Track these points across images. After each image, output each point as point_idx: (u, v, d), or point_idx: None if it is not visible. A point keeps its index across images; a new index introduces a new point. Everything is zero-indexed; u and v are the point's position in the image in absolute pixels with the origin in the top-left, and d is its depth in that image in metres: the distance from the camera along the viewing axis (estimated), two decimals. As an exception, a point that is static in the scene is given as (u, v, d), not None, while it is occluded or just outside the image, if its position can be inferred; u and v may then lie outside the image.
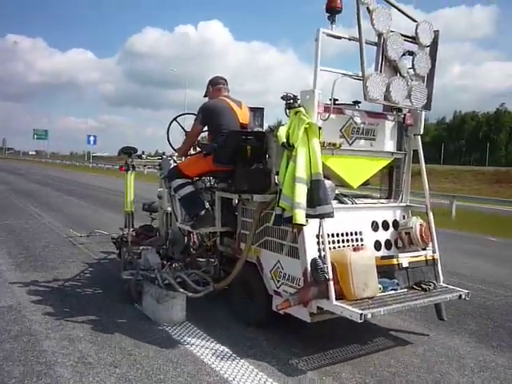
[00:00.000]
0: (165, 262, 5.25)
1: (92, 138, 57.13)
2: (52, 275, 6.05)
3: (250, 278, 4.49)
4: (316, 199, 3.74)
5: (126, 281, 5.09)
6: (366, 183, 4.79)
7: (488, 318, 5.15)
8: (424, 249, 4.47)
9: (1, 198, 15.20)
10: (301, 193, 3.74)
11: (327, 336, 4.31)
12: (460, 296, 4.19)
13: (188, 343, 4.12)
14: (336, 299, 3.70)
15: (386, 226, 4.51)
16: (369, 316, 3.52)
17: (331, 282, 3.69)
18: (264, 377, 3.57)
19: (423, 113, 4.59)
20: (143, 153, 5.60)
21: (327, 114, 4.02)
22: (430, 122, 78.24)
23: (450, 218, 14.46)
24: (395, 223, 4.57)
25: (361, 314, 3.48)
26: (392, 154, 4.65)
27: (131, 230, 5.93)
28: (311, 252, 3.83)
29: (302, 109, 3.89)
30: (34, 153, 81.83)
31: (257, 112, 5.26)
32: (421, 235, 4.39)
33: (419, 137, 4.65)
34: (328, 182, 4.00)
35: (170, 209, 5.43)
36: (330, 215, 3.75)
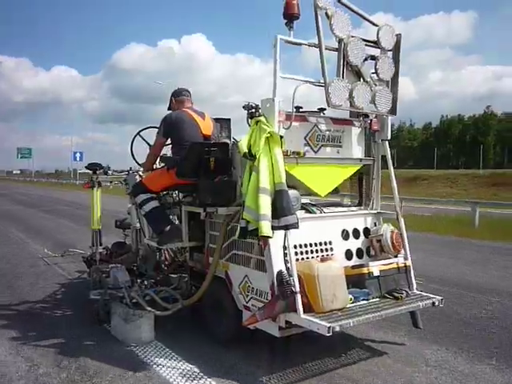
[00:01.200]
0: (137, 280, 5.10)
1: (78, 155, 56.47)
2: (20, 297, 5.86)
3: (219, 293, 4.36)
4: (280, 210, 3.63)
5: (94, 301, 4.92)
6: (335, 191, 4.71)
7: (463, 323, 5.07)
8: (396, 256, 4.37)
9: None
10: (265, 204, 3.63)
11: (300, 350, 4.17)
12: (433, 303, 4.09)
13: (155, 364, 3.98)
14: (304, 312, 3.59)
15: (356, 234, 4.42)
16: (337, 329, 3.40)
17: (298, 295, 3.58)
18: None
19: (389, 118, 4.52)
20: (109, 168, 5.46)
21: (289, 123, 3.93)
22: (417, 128, 78.96)
23: (473, 226, 12.99)
24: (366, 231, 4.48)
25: (328, 327, 3.37)
26: (360, 160, 4.56)
27: (101, 247, 5.80)
28: (278, 264, 3.71)
29: (262, 118, 3.79)
30: (18, 172, 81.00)
31: (224, 123, 5.15)
32: (392, 242, 4.30)
33: (387, 142, 4.58)
34: (293, 192, 3.89)
35: (138, 225, 5.29)
36: (294, 226, 3.64)
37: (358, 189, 4.73)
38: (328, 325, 3.38)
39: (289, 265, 3.65)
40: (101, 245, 5.46)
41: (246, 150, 3.77)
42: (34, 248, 9.44)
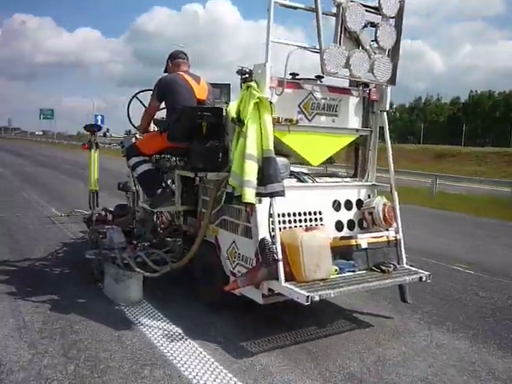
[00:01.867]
0: (133, 242, 5.16)
1: (99, 118, 56.54)
2: (22, 254, 6.00)
3: (209, 258, 4.39)
4: (267, 177, 3.60)
5: (90, 261, 5.00)
6: (330, 161, 4.65)
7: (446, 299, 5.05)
8: (387, 229, 4.32)
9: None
10: (250, 170, 3.60)
11: (285, 318, 4.21)
12: (421, 278, 4.06)
13: (141, 323, 4.05)
14: (286, 281, 3.59)
15: (349, 205, 4.37)
16: (316, 298, 3.39)
17: (280, 263, 3.57)
18: (210, 360, 3.48)
19: (389, 88, 4.40)
20: (108, 131, 5.46)
21: (281, 89, 3.85)
22: (444, 102, 76.87)
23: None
24: (359, 203, 4.43)
25: (307, 297, 3.37)
26: (357, 130, 4.47)
27: (100, 209, 5.87)
28: (263, 232, 3.71)
29: (253, 83, 3.72)
30: (40, 133, 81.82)
31: (224, 88, 5.10)
32: (383, 215, 4.25)
33: (385, 113, 4.47)
34: (281, 160, 3.85)
35: (135, 188, 5.32)
36: (280, 194, 3.61)
37: (354, 160, 4.65)
38: (307, 294, 3.38)
39: (273, 233, 3.64)
40: (97, 206, 5.52)
41: (235, 115, 3.72)
42: (45, 208, 9.58)
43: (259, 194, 3.62)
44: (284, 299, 3.77)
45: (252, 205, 3.65)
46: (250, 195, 3.56)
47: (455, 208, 12.20)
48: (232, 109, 3.75)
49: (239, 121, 3.70)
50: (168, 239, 5.29)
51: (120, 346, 3.61)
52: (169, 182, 5.07)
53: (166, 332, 3.90)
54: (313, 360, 3.53)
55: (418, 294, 4.91)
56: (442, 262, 6.49)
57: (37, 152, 34.57)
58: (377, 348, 3.78)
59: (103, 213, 5.83)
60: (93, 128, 5.26)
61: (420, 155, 35.13)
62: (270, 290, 3.69)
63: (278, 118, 3.88)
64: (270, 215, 3.69)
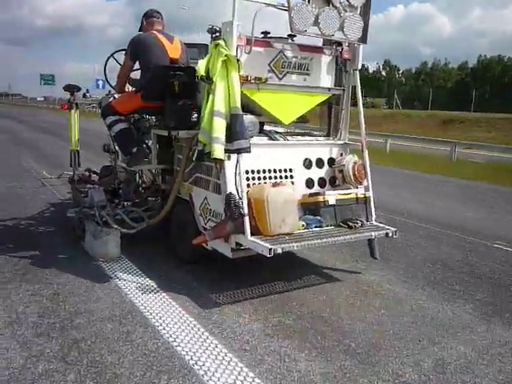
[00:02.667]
0: (115, 201, 5.28)
1: (100, 82, 55.85)
2: (10, 213, 6.13)
3: (184, 215, 4.52)
4: (233, 134, 3.68)
5: (71, 219, 5.15)
6: (303, 120, 4.71)
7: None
8: (357, 187, 4.41)
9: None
10: (219, 127, 3.68)
11: (255, 272, 4.36)
12: (387, 234, 4.17)
13: (118, 277, 4.21)
14: (253, 235, 3.71)
15: (320, 163, 4.46)
16: (278, 251, 3.51)
17: (246, 218, 3.69)
18: (178, 309, 3.65)
19: (361, 47, 4.42)
20: (87, 91, 5.51)
21: (249, 47, 3.89)
22: (452, 67, 75.49)
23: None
24: (331, 161, 4.52)
25: (270, 249, 3.49)
26: (329, 89, 4.52)
27: (85, 169, 5.98)
28: (231, 188, 3.81)
29: (221, 41, 3.75)
30: (42, 99, 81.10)
31: (201, 48, 5.11)
32: (353, 173, 4.33)
33: (357, 72, 4.50)
34: (249, 117, 3.93)
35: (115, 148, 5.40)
36: (246, 150, 3.70)
37: (327, 119, 4.71)
38: (270, 246, 3.50)
39: (240, 188, 3.74)
40: (79, 166, 5.62)
41: (204, 73, 3.77)
42: (38, 172, 9.69)
43: (226, 151, 3.71)
44: (252, 254, 3.90)
45: (221, 161, 3.74)
46: (218, 151, 3.65)
47: (476, 177, 11.81)
48: (201, 67, 3.79)
49: (208, 79, 3.75)
50: (150, 199, 5.42)
51: (93, 298, 3.78)
52: (150, 142, 5.15)
53: (140, 285, 4.06)
54: (277, 309, 3.70)
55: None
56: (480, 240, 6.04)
57: (38, 118, 34.34)
58: (339, 299, 3.95)
59: (87, 173, 5.93)
60: (72, 88, 5.30)
61: (427, 121, 34.83)
62: (237, 244, 3.82)
63: (247, 76, 3.93)
64: (236, 171, 3.79)
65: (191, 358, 2.95)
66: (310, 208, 4.16)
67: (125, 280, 4.17)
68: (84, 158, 6.15)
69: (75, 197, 5.41)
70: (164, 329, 3.31)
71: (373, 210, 4.41)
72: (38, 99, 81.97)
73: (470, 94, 51.72)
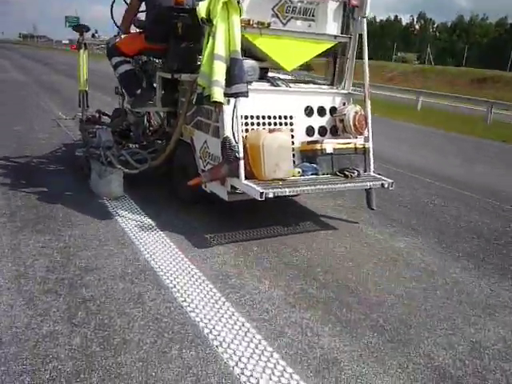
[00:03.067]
0: (123, 142, 5.39)
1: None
2: (24, 151, 6.33)
3: (186, 158, 4.61)
4: (232, 77, 3.69)
5: (78, 157, 5.29)
6: (308, 68, 4.68)
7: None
8: (356, 137, 4.42)
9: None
10: (219, 70, 3.68)
11: (252, 217, 4.49)
12: (383, 185, 4.20)
13: (119, 215, 4.37)
14: (248, 179, 3.79)
15: (322, 112, 4.46)
16: (270, 195, 3.59)
17: (241, 161, 3.76)
18: (172, 247, 3.80)
19: (370, -7, 4.31)
20: (96, 32, 5.53)
21: (252, -11, 3.84)
22: (489, 22, 72.14)
23: None
24: (334, 110, 4.51)
25: (261, 193, 3.57)
26: (335, 37, 4.45)
27: (95, 111, 6.07)
28: (228, 131, 3.86)
29: (223, -18, 3.71)
30: (67, 41, 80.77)
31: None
32: (354, 123, 4.33)
33: (365, 19, 4.41)
34: (249, 62, 3.92)
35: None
36: (244, 95, 3.72)
37: (333, 68, 4.66)
38: (261, 190, 3.58)
39: (236, 132, 3.78)
40: (88, 106, 5.70)
41: (204, 16, 3.74)
42: (54, 113, 9.84)
43: (225, 95, 3.73)
44: (247, 198, 3.99)
45: (220, 104, 3.77)
46: (218, 94, 3.68)
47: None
48: (202, 8, 3.76)
49: (208, 21, 3.74)
50: (158, 142, 5.52)
51: (93, 230, 3.95)
52: (155, 85, 5.18)
53: (138, 223, 4.22)
54: (299, 275, 3.50)
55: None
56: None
57: (61, 61, 34.31)
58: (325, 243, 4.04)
59: (96, 114, 6.03)
60: (81, 28, 5.32)
61: (459, 79, 33.70)
62: (232, 187, 3.91)
63: (249, 20, 3.90)
64: (233, 115, 3.83)
65: (206, 326, 2.74)
66: (308, 155, 4.20)
67: (124, 217, 4.32)
68: (94, 99, 6.20)
69: (84, 137, 5.52)
70: (178, 291, 3.11)
71: (371, 160, 4.42)
72: (64, 42, 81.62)
73: (508, 52, 49.63)
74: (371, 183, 4.18)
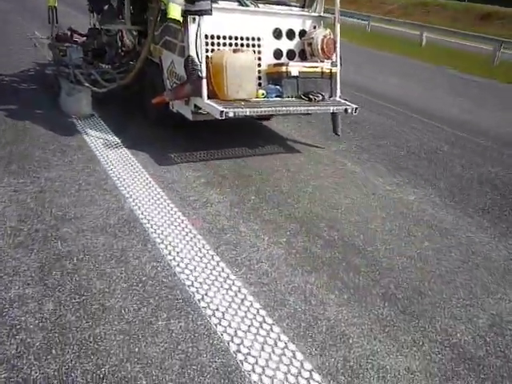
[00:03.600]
0: (93, 62, 5.32)
1: None
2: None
3: (154, 77, 4.60)
4: (195, -6, 3.64)
5: (48, 75, 5.25)
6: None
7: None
8: (323, 61, 4.41)
9: None
10: None
11: (218, 138, 4.55)
12: (346, 110, 4.25)
13: (87, 134, 4.44)
14: (210, 99, 3.82)
15: (291, 35, 4.42)
16: (230, 114, 3.64)
17: (204, 80, 3.77)
18: (136, 163, 3.89)
19: None
20: None
21: None
22: None
23: None
24: (303, 33, 4.47)
25: (221, 111, 3.62)
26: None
27: (67, 28, 5.94)
28: (191, 50, 3.84)
29: None
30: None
31: None
32: (322, 47, 4.31)
33: None
34: (214, -22, 3.84)
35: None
36: (207, 12, 3.68)
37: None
38: (222, 109, 3.63)
39: (200, 52, 3.77)
40: (57, 22, 5.57)
41: None
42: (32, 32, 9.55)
43: (188, 12, 3.69)
44: (212, 118, 4.03)
45: (178, 22, 3.74)
46: (174, 11, 3.65)
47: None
48: None
49: None
50: (131, 63, 5.46)
51: (59, 147, 4.00)
52: (125, 1, 5.04)
53: (106, 141, 4.28)
54: (301, 230, 3.17)
55: None
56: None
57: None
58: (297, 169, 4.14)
59: (68, 32, 5.90)
60: None
61: (463, 14, 32.52)
62: (196, 106, 3.96)
63: None
64: (206, 36, 3.81)
65: (197, 291, 2.38)
66: (274, 78, 4.21)
67: (93, 136, 4.40)
68: (69, 16, 6.02)
69: (54, 55, 5.44)
70: (166, 248, 2.74)
71: (338, 85, 4.44)
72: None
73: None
74: (334, 108, 4.23)
